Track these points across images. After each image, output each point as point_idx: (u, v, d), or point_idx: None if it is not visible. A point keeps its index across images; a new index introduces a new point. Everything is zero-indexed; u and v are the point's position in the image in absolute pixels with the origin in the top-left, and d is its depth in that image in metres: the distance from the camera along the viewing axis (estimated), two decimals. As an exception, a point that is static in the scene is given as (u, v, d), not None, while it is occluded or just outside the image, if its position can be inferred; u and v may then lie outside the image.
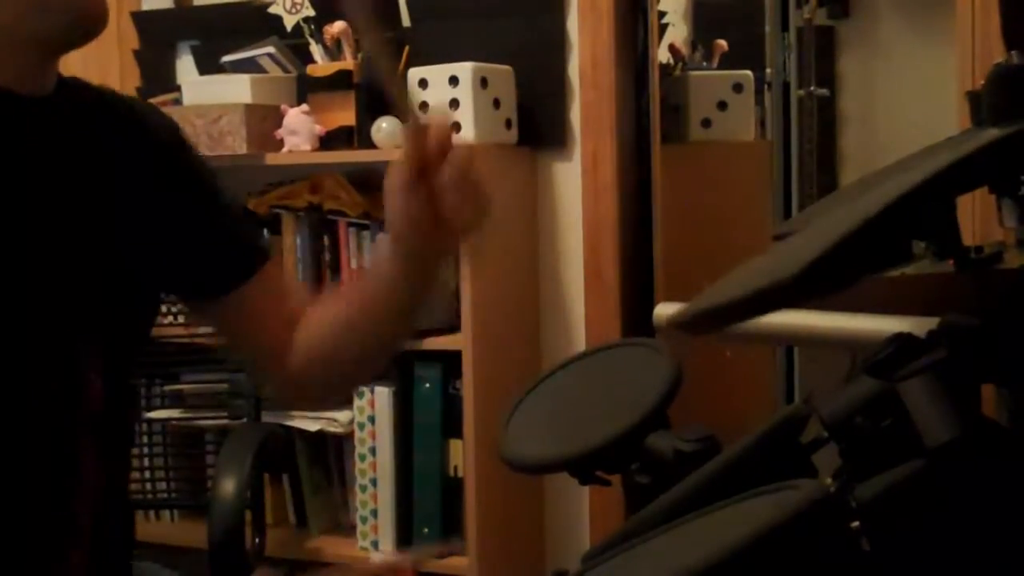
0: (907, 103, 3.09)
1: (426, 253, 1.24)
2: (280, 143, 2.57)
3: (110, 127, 1.23)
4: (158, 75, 2.95)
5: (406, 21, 2.67)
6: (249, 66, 2.70)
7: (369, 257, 1.13)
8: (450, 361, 2.43)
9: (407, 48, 2.59)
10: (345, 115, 2.56)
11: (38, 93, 1.16)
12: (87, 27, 1.14)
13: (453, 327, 2.41)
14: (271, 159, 2.58)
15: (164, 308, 2.67)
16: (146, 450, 2.73)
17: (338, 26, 2.56)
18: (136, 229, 1.22)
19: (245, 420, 2.52)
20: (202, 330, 2.66)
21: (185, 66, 2.95)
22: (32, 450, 1.13)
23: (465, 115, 2.39)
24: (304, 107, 2.58)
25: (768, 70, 2.92)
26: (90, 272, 1.17)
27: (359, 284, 1.36)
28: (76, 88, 1.22)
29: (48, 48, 1.14)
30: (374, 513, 2.55)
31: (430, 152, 1.13)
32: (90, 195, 1.19)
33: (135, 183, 1.23)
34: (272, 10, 2.68)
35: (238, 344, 1.38)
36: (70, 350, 1.15)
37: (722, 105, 2.78)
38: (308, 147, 2.55)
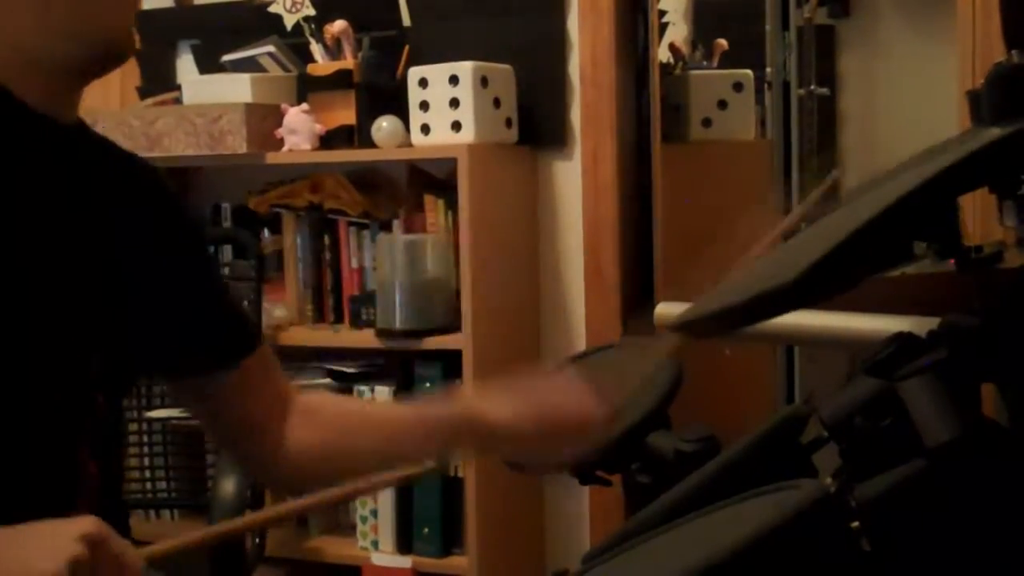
0: (907, 103, 3.09)
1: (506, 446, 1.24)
2: (280, 142, 2.57)
3: (124, 169, 1.25)
4: (158, 74, 2.95)
5: (406, 21, 2.67)
6: (249, 65, 2.70)
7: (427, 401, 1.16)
8: (450, 361, 2.43)
9: (407, 48, 2.59)
10: (345, 114, 2.56)
11: (66, 120, 1.17)
12: (114, 55, 1.16)
13: (453, 327, 2.41)
14: (271, 158, 2.58)
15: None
16: (146, 450, 2.74)
17: (338, 25, 2.56)
18: (142, 278, 1.23)
19: (245, 420, 2.52)
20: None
21: (185, 65, 2.95)
22: (38, 463, 1.14)
23: (465, 115, 2.39)
24: (304, 106, 2.58)
25: (768, 69, 2.91)
26: (99, 296, 1.18)
27: (392, 412, 1.34)
28: (92, 130, 1.24)
29: (76, 74, 1.16)
30: (374, 513, 2.55)
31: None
32: (104, 228, 1.20)
33: (143, 231, 1.24)
34: (272, 9, 2.67)
35: (226, 424, 1.35)
36: (81, 367, 1.16)
37: (722, 104, 2.78)
38: (308, 146, 2.55)
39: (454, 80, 2.40)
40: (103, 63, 1.16)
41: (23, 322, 1.10)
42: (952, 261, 0.85)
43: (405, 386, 2.51)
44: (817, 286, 0.72)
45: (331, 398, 1.38)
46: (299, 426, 1.33)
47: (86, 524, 0.94)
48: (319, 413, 1.35)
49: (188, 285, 1.28)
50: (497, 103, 2.45)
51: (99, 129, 1.26)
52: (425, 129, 2.44)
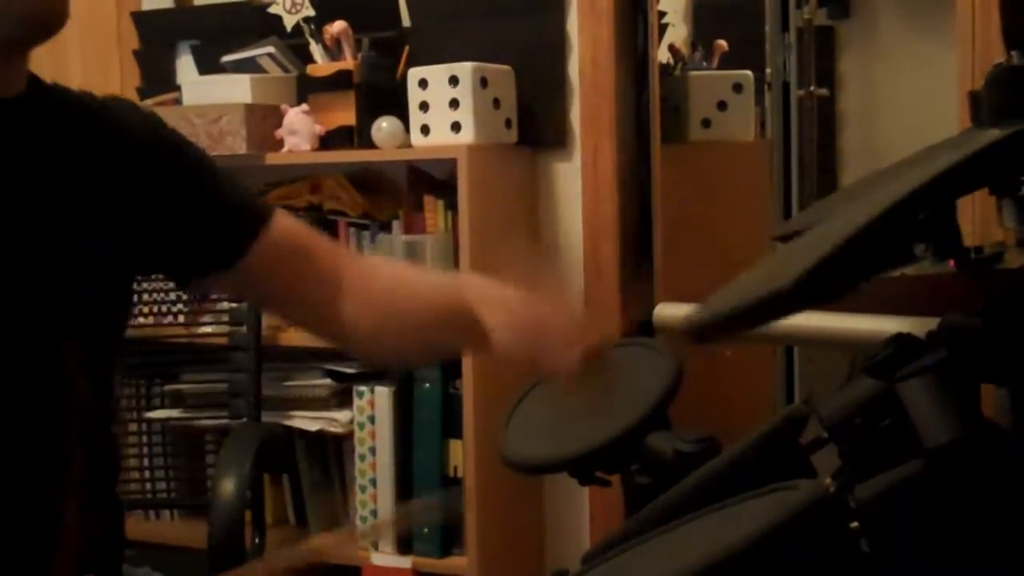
0: (907, 103, 3.09)
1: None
2: (280, 143, 2.57)
3: (83, 129, 1.22)
4: (158, 75, 2.94)
5: (406, 22, 2.67)
6: (249, 66, 2.70)
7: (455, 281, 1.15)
8: (450, 361, 2.43)
9: (407, 48, 2.59)
10: (345, 115, 2.56)
11: (7, 94, 1.15)
12: (45, 30, 1.13)
13: (453, 327, 2.41)
14: (271, 159, 2.58)
15: (164, 308, 2.67)
16: (146, 450, 2.74)
17: (338, 26, 2.56)
18: (114, 226, 1.22)
19: (245, 420, 2.52)
20: (202, 330, 2.66)
21: (185, 66, 2.95)
22: (18, 453, 1.13)
23: (465, 115, 2.39)
24: (304, 107, 2.58)
25: (768, 70, 2.91)
26: (67, 272, 1.17)
27: (432, 295, 1.32)
28: (50, 92, 1.21)
29: (10, 50, 1.14)
30: (374, 513, 2.54)
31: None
32: (61, 195, 1.18)
33: (111, 182, 1.22)
34: (272, 10, 2.67)
35: (276, 304, 1.38)
36: (53, 351, 1.15)
37: (722, 105, 2.77)
38: (308, 147, 2.55)
39: (454, 81, 2.40)
40: (34, 37, 1.14)
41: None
42: (952, 261, 0.85)
43: (404, 386, 2.51)
44: (817, 290, 0.72)
45: (381, 269, 1.37)
46: (352, 302, 1.32)
47: None
48: (368, 289, 1.34)
49: (175, 206, 1.27)
50: (497, 104, 2.45)
51: None
52: (425, 130, 2.44)
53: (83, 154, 1.21)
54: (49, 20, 1.12)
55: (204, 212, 1.31)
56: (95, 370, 1.20)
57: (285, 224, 1.34)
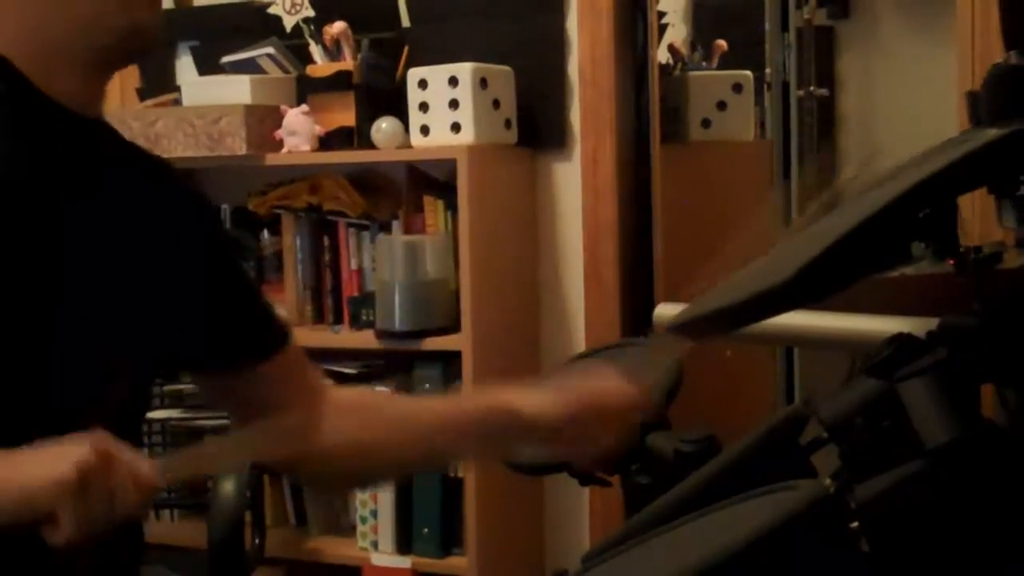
0: (907, 103, 3.09)
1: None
2: (280, 143, 2.57)
3: (146, 169, 1.24)
4: (158, 76, 2.94)
5: (405, 22, 2.67)
6: (249, 67, 2.70)
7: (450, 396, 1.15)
8: (450, 361, 2.43)
9: (407, 48, 2.59)
10: (345, 115, 2.56)
11: (89, 114, 1.16)
12: (141, 46, 1.15)
13: (453, 328, 2.41)
14: (271, 159, 2.58)
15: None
16: (146, 450, 2.74)
17: (337, 27, 2.56)
18: (168, 278, 1.21)
19: (245, 420, 2.52)
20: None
21: (185, 66, 2.95)
22: None
23: (465, 115, 2.39)
24: (304, 107, 2.58)
25: (768, 70, 2.92)
26: (124, 297, 1.17)
27: (425, 409, 1.32)
28: (113, 127, 1.23)
29: (101, 66, 1.15)
30: (374, 513, 2.55)
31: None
32: (129, 224, 1.19)
33: (168, 232, 1.22)
34: (272, 11, 2.67)
35: (255, 418, 1.36)
36: (104, 364, 1.15)
37: (722, 105, 2.78)
38: (308, 147, 2.55)
39: (453, 81, 2.40)
40: (130, 54, 1.16)
41: (47, 322, 1.10)
42: (951, 261, 0.85)
43: (404, 386, 2.51)
44: (812, 286, 0.72)
45: (363, 395, 1.38)
46: (330, 423, 1.30)
47: (94, 437, 0.95)
48: (351, 410, 1.34)
49: (217, 284, 1.27)
50: (496, 104, 2.45)
51: None
52: (424, 130, 2.45)
53: (149, 191, 1.22)
54: (153, 35, 1.14)
55: (250, 302, 1.32)
56: (137, 385, 1.21)
57: (297, 347, 1.35)
